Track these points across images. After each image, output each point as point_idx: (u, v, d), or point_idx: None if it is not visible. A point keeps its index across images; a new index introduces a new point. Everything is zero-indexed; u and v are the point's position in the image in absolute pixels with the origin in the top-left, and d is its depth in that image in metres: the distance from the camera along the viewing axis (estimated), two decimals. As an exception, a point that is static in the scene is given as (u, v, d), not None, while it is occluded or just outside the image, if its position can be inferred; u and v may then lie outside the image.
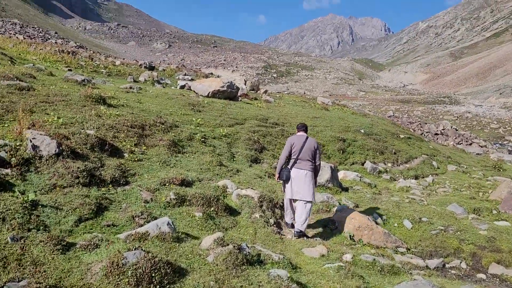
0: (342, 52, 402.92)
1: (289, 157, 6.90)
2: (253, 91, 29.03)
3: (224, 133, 11.64)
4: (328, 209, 8.09)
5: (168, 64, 41.57)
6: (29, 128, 6.34)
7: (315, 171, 6.98)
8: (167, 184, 6.68)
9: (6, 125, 6.74)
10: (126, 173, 6.69)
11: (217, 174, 8.40)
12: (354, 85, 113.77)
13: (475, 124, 51.56)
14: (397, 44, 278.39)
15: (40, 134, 5.98)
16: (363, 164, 14.01)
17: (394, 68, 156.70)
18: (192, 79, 25.16)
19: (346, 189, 10.15)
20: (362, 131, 16.39)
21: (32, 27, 64.43)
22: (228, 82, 18.33)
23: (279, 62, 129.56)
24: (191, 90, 18.91)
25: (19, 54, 19.69)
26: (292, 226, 7.12)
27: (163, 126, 9.82)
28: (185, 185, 6.95)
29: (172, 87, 20.78)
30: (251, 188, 7.74)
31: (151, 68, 31.17)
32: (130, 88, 14.93)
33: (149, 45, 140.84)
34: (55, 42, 37.34)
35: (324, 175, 9.51)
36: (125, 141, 7.99)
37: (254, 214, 6.74)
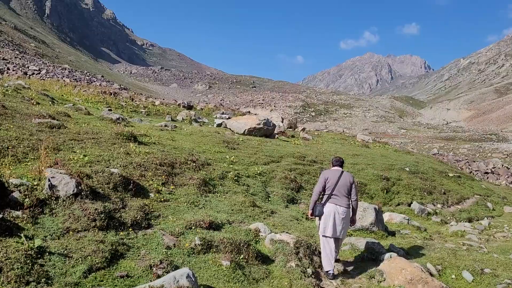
0: (381, 90, 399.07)
1: (323, 193, 6.54)
2: (290, 129, 28.54)
3: (258, 172, 11.05)
4: (373, 257, 7.17)
5: (207, 103, 42.06)
6: (50, 167, 6.00)
7: (352, 208, 6.59)
8: (193, 227, 6.08)
9: (29, 163, 6.45)
10: (150, 215, 6.16)
11: (250, 216, 7.73)
12: (395, 122, 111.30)
13: (528, 163, 48.37)
14: (438, 81, 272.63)
15: (60, 173, 5.60)
16: (409, 205, 12.93)
17: (436, 106, 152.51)
18: (229, 118, 25.02)
19: (393, 233, 9.16)
20: (407, 169, 15.31)
21: (80, 72, 67.80)
22: (265, 119, 17.91)
23: (317, 101, 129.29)
24: (227, 128, 18.63)
25: (62, 95, 20.23)
26: (334, 276, 6.32)
27: (194, 164, 9.36)
28: (213, 228, 6.32)
29: (209, 126, 20.61)
30: (287, 232, 7.00)
31: (189, 107, 31.45)
32: (165, 126, 14.75)
33: (190, 86, 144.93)
34: (100, 85, 38.78)
35: (368, 217, 8.61)
36: (152, 180, 7.53)
37: (290, 263, 5.98)
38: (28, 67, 41.92)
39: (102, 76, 72.49)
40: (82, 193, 5.53)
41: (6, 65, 37.00)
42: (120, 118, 12.99)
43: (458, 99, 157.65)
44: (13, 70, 34.20)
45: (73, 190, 5.42)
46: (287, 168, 12.23)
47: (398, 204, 12.86)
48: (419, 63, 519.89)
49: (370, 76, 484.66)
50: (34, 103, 12.74)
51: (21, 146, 7.04)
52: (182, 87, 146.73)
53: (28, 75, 31.23)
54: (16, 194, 4.94)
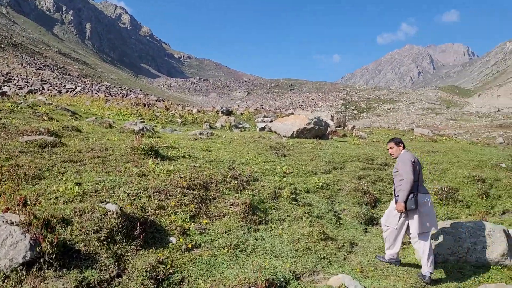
0: (424, 81, 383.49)
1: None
2: (339, 128, 25.70)
3: (320, 184, 8.44)
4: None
5: (247, 108, 39.83)
6: (7, 210, 3.71)
7: None
8: (240, 298, 3.58)
9: (-16, 204, 4.19)
10: (167, 281, 3.71)
11: (323, 258, 5.14)
12: (442, 114, 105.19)
13: None
14: (484, 67, 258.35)
15: (10, 223, 3.28)
16: (519, 213, 9.86)
17: (485, 93, 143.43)
18: (272, 121, 22.60)
19: (532, 265, 6.24)
20: (504, 165, 12.15)
21: (119, 87, 67.62)
22: (315, 118, 15.25)
23: (358, 98, 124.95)
24: (272, 131, 16.13)
25: (89, 109, 18.51)
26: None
27: (236, 181, 6.89)
28: (273, 294, 3.79)
29: (251, 131, 18.25)
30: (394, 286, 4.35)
31: (228, 113, 29.26)
32: (200, 134, 12.46)
33: (229, 94, 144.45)
34: (135, 97, 37.45)
35: (497, 245, 5.78)
36: (175, 213, 5.10)
37: None
38: (64, 86, 41.34)
39: (141, 90, 72.16)
40: (42, 259, 3.17)
41: (42, 86, 36.39)
42: (145, 129, 10.78)
43: (508, 84, 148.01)
44: (48, 90, 33.35)
45: (24, 257, 3.08)
46: (354, 176, 9.54)
47: (503, 213, 9.78)
48: (462, 51, 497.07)
49: (411, 68, 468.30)
50: (46, 119, 10.77)
51: (-18, 177, 4.83)
52: (221, 95, 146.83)
53: (61, 93, 30.21)
54: None
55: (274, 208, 6.51)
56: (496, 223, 9.02)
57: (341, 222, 7.19)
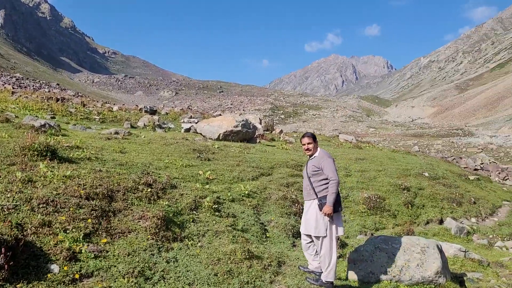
0: (347, 90, 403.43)
1: None
2: (267, 132, 25.48)
3: (246, 192, 7.73)
4: None
5: (173, 107, 38.31)
6: None
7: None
8: None
9: None
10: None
11: (247, 283, 4.38)
12: (363, 122, 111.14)
13: (503, 156, 47.06)
14: (401, 80, 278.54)
15: None
16: (441, 223, 9.95)
17: (401, 103, 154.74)
18: (198, 122, 21.66)
19: (461, 281, 6.00)
20: (426, 174, 12.33)
21: (33, 80, 62.34)
22: (243, 120, 14.59)
23: (286, 103, 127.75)
24: (197, 133, 15.21)
25: (-12, 101, 16.28)
26: None
27: (150, 189, 5.92)
28: None
29: (176, 131, 17.19)
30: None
31: (153, 112, 27.74)
32: (115, 133, 11.22)
33: (156, 94, 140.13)
34: (49, 91, 34.35)
35: (431, 262, 5.42)
36: (65, 231, 4.06)
37: None
38: (-34, 75, 36.92)
39: (58, 84, 67.19)
40: None
41: None
42: (47, 125, 9.34)
43: (421, 96, 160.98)
44: None
45: None
46: (282, 183, 8.96)
47: (427, 222, 9.83)
48: (382, 63, 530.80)
49: (336, 77, 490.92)
50: None
51: None
52: (148, 94, 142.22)
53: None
54: None
55: (193, 221, 5.65)
56: (421, 233, 8.99)
57: (267, 235, 6.52)
